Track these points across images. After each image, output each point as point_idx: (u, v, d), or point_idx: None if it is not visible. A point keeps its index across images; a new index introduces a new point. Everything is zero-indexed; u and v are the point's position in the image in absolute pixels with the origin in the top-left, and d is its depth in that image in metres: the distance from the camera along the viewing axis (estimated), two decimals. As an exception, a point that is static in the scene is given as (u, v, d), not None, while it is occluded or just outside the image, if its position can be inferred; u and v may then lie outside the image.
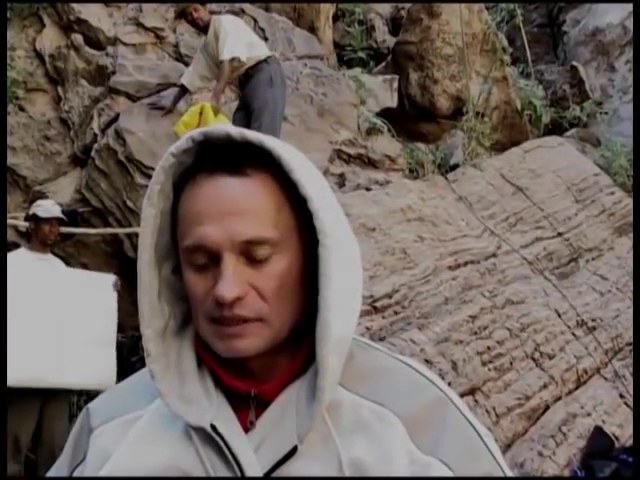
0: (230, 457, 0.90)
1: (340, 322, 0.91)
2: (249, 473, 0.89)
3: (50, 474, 1.07)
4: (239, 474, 0.89)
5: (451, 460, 0.92)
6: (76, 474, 1.01)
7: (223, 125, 0.92)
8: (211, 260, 0.90)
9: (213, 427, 0.91)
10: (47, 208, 4.80)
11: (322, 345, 0.90)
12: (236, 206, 0.89)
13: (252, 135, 0.90)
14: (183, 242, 0.92)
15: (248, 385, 0.95)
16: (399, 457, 0.91)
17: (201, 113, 5.39)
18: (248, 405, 0.95)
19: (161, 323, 0.98)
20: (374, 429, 0.93)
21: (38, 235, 4.73)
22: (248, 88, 5.61)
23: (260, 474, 0.89)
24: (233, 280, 0.88)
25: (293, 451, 0.90)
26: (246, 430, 0.93)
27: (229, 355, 0.92)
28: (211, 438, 0.91)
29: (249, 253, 0.89)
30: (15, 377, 3.99)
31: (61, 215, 4.85)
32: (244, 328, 0.90)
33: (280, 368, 0.96)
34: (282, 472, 0.90)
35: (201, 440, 0.92)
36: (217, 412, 0.93)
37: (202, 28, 5.80)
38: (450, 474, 0.91)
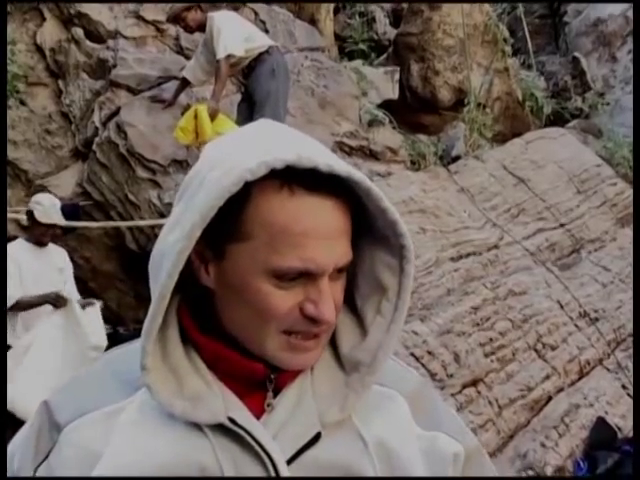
0: (257, 447, 0.89)
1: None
2: (276, 459, 0.89)
3: (9, 474, 1.00)
4: (269, 462, 0.88)
5: (451, 433, 1.01)
6: (40, 472, 0.94)
7: (310, 156, 0.86)
8: (301, 274, 0.89)
9: (232, 420, 0.89)
10: (46, 211, 4.60)
11: (385, 351, 0.95)
12: (338, 231, 0.89)
13: (340, 168, 0.86)
14: (277, 262, 0.87)
15: (267, 369, 0.93)
16: (410, 432, 0.97)
17: (196, 117, 5.37)
18: (253, 390, 0.93)
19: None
20: (387, 408, 0.98)
21: (35, 233, 4.64)
22: (251, 79, 5.59)
23: (283, 462, 0.89)
24: (332, 301, 0.90)
25: (316, 437, 0.91)
26: (256, 416, 0.92)
27: (297, 367, 0.94)
28: (227, 430, 0.89)
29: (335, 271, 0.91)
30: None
31: (61, 222, 4.71)
32: (319, 340, 0.93)
33: None
34: (306, 457, 0.90)
35: (216, 434, 0.90)
36: (226, 402, 0.91)
37: (194, 31, 5.80)
38: (458, 444, 1.00)
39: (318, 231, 0.87)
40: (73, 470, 0.91)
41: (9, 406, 3.91)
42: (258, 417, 0.92)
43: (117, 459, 0.89)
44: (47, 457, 0.94)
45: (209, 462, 0.89)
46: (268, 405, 0.93)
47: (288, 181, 0.86)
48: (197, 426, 0.90)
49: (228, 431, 0.89)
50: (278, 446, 0.89)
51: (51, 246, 4.78)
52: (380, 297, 0.97)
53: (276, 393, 0.94)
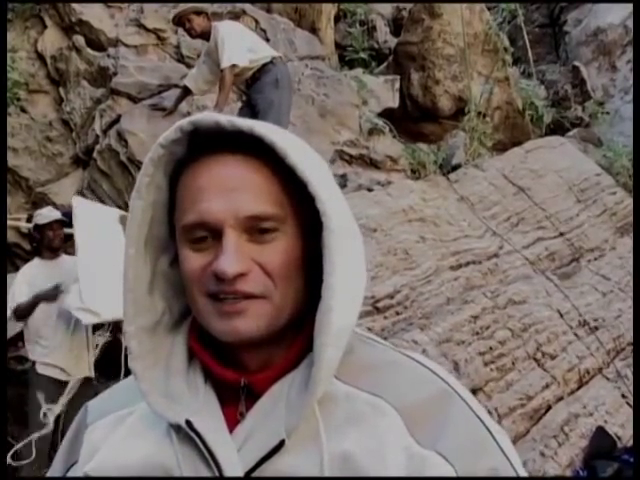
0: (206, 453, 0.86)
1: (342, 312, 0.87)
2: (227, 469, 0.86)
3: (49, 474, 1.05)
4: (216, 471, 0.86)
5: (451, 454, 0.86)
6: (70, 473, 0.99)
7: (211, 113, 0.90)
8: (212, 238, 0.88)
9: (189, 423, 0.88)
10: (45, 214, 4.94)
11: (322, 335, 0.86)
12: (240, 182, 0.87)
13: (242, 122, 0.87)
14: (182, 220, 0.89)
15: (238, 375, 0.91)
16: (393, 449, 0.86)
17: None
18: (237, 398, 0.91)
19: (150, 319, 0.95)
20: (367, 420, 0.88)
21: (44, 242, 4.86)
22: (254, 89, 5.61)
23: (240, 471, 0.86)
24: (235, 254, 0.85)
25: (279, 446, 0.86)
26: (237, 423, 0.90)
27: (229, 337, 0.88)
28: (189, 435, 0.88)
29: (253, 230, 0.87)
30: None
31: (60, 217, 4.94)
32: (246, 305, 0.87)
33: (274, 361, 0.93)
34: (266, 468, 0.86)
35: (179, 438, 0.89)
36: (200, 407, 0.90)
37: (196, 37, 5.80)
38: (448, 467, 0.86)
39: (213, 184, 0.87)
40: (83, 467, 0.94)
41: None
42: (234, 426, 0.90)
43: (100, 457, 0.93)
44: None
45: (172, 465, 0.89)
46: (240, 414, 0.91)
47: (203, 149, 0.90)
48: (170, 432, 0.91)
49: (189, 435, 0.89)
50: (240, 455, 0.87)
51: (65, 257, 4.92)
52: None
53: (257, 400, 0.91)
